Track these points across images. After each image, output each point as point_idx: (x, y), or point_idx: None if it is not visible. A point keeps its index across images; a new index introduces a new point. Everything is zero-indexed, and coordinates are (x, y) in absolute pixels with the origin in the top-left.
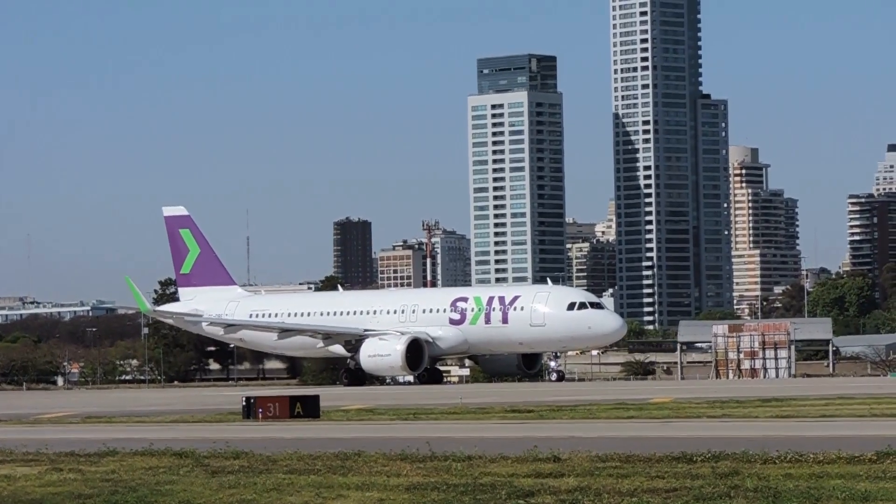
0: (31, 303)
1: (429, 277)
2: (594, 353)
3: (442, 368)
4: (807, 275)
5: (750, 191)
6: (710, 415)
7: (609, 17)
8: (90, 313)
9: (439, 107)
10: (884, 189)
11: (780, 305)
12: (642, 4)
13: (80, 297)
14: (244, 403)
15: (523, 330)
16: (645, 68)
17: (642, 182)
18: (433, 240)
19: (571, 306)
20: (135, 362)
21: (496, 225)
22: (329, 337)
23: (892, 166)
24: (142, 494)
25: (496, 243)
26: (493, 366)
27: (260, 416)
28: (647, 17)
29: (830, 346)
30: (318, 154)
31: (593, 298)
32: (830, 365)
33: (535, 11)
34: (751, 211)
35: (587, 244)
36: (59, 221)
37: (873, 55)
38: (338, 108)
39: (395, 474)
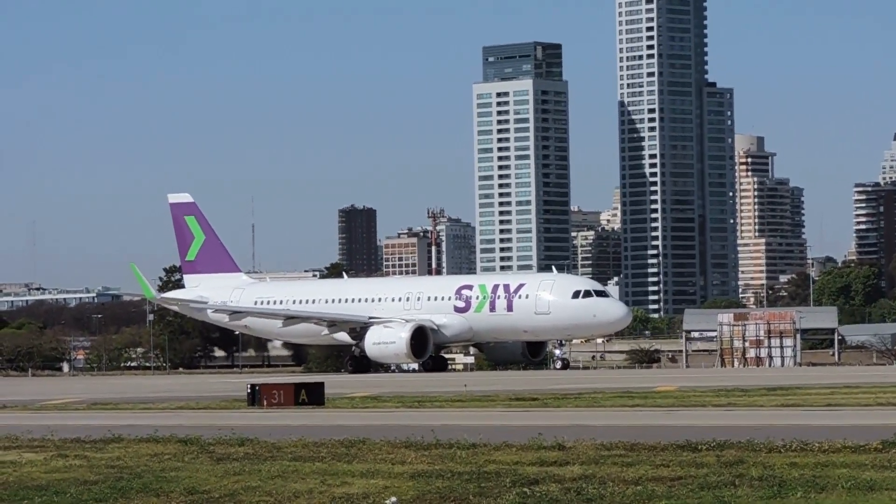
0: (37, 289)
1: (433, 265)
2: (599, 341)
3: (447, 356)
4: (812, 263)
5: (756, 179)
6: (715, 403)
7: (615, 5)
8: (96, 300)
9: (444, 95)
10: (890, 178)
11: (785, 294)
12: None
13: (86, 284)
14: (249, 390)
15: (528, 318)
16: (651, 56)
17: (648, 170)
18: (438, 227)
19: (576, 294)
20: (140, 349)
21: (501, 213)
22: (334, 324)
23: None
24: (147, 481)
25: (501, 231)
26: (497, 354)
27: (265, 403)
28: (653, 5)
29: (836, 334)
30: (322, 142)
31: (598, 287)
32: (836, 354)
33: None
34: (756, 199)
35: (592, 232)
36: (64, 208)
37: (880, 44)
38: (343, 96)
39: (399, 462)
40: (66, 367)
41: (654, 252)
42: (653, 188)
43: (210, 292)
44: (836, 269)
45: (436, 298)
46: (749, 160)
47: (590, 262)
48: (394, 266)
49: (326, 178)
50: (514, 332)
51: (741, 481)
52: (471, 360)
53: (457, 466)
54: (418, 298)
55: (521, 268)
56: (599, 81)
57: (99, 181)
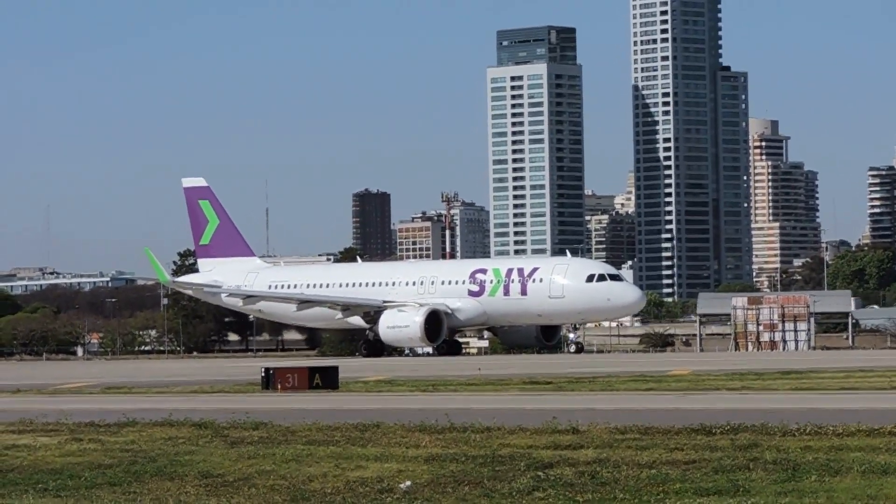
0: (51, 273)
1: (448, 249)
2: (613, 324)
3: (461, 340)
4: (826, 247)
5: (770, 163)
6: (729, 387)
7: None
8: (110, 284)
9: (458, 79)
10: None
11: (799, 278)
12: None
13: (100, 268)
14: (263, 374)
15: (542, 302)
16: (665, 40)
17: (662, 154)
18: (452, 211)
19: (590, 278)
20: (154, 333)
21: (515, 197)
22: (348, 308)
23: None
24: (161, 465)
25: (515, 215)
26: (511, 337)
27: (279, 387)
28: None
29: (850, 318)
30: (337, 125)
31: (612, 270)
32: (850, 337)
33: None
34: (770, 183)
35: (606, 216)
36: (78, 192)
37: (894, 27)
38: (358, 80)
39: (413, 445)
40: (80, 351)
41: (668, 236)
42: (667, 172)
43: (224, 276)
44: (850, 252)
45: (450, 282)
46: (763, 144)
47: (604, 246)
48: (408, 250)
49: (340, 162)
50: (528, 315)
51: (755, 465)
52: (485, 343)
53: (471, 450)
54: (432, 282)
55: (535, 252)
56: (613, 65)
57: (113, 165)
